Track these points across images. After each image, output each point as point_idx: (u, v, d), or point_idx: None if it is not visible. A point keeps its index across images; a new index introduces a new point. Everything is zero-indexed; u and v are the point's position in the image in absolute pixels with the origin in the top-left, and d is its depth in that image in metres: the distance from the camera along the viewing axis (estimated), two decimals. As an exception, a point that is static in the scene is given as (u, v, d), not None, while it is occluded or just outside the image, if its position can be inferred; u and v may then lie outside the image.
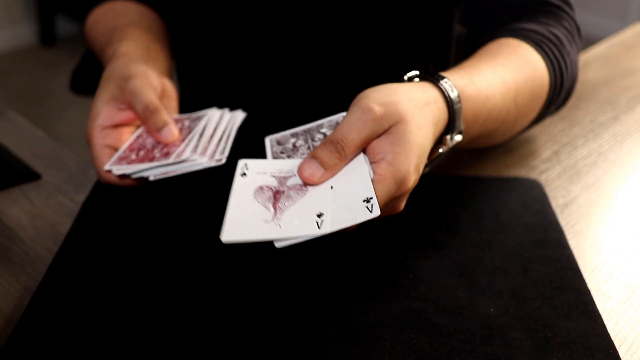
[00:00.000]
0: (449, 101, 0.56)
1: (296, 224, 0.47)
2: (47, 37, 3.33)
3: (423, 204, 0.62)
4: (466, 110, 0.59)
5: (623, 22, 3.22)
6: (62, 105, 2.74)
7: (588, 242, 0.63)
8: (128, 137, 0.64)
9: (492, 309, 0.52)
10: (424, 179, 0.56)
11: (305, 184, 0.50)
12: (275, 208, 0.48)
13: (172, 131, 0.61)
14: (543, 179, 0.73)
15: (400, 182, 0.49)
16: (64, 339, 0.49)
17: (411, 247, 0.59)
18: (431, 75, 0.57)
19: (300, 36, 0.81)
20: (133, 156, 0.61)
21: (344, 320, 0.51)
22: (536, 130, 0.83)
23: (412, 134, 0.50)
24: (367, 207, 0.46)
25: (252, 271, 0.56)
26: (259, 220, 0.47)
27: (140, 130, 0.65)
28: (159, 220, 0.63)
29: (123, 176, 0.61)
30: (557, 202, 0.69)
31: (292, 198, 0.49)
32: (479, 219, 0.63)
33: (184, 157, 0.58)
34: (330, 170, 0.50)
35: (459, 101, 0.57)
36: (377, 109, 0.50)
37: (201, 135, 0.62)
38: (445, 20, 0.85)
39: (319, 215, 0.47)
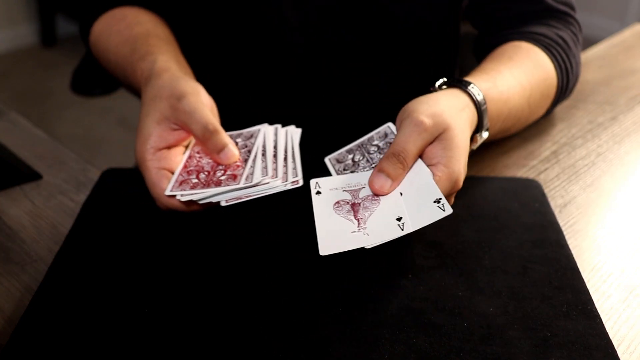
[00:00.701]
0: (476, 104, 0.63)
1: (381, 229, 0.53)
2: (47, 37, 3.33)
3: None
4: (490, 110, 0.66)
5: (622, 23, 3.22)
6: (62, 105, 2.74)
7: (587, 241, 0.63)
8: (179, 158, 0.61)
9: (491, 309, 0.52)
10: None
11: (377, 194, 0.56)
12: (357, 219, 0.54)
13: (233, 152, 0.59)
14: (542, 179, 0.73)
15: (455, 181, 0.56)
16: (65, 338, 0.49)
17: (411, 247, 0.59)
18: (459, 82, 0.64)
19: (300, 36, 0.81)
20: (194, 179, 0.58)
21: (344, 320, 0.51)
22: (535, 130, 0.83)
23: (459, 139, 0.57)
24: (438, 207, 0.52)
25: (252, 272, 0.56)
26: (347, 232, 0.53)
27: (189, 150, 0.62)
28: (160, 220, 0.63)
29: (189, 202, 0.58)
30: (555, 202, 0.69)
31: (369, 208, 0.55)
32: (478, 219, 0.63)
33: (255, 180, 0.56)
34: (397, 180, 0.56)
35: (485, 103, 0.64)
36: (427, 120, 0.56)
37: (263, 155, 0.60)
38: (447, 21, 0.85)
39: (399, 219, 0.53)
